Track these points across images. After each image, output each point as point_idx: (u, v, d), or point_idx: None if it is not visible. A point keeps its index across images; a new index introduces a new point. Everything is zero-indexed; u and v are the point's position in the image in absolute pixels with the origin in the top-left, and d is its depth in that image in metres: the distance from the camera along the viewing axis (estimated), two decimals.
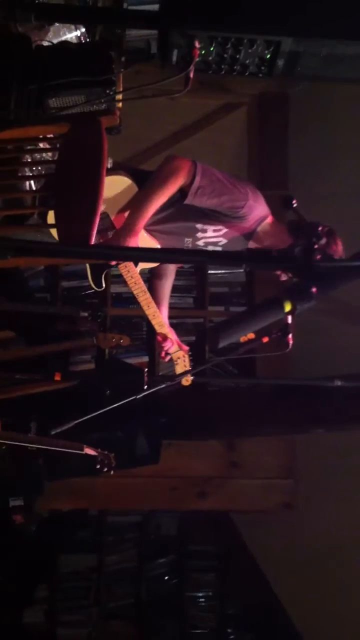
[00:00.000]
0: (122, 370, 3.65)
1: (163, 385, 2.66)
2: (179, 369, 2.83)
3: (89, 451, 2.95)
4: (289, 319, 1.74)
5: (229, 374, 4.57)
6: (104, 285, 2.69)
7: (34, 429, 3.06)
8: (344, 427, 4.13)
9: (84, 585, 4.83)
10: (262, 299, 1.44)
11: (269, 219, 2.67)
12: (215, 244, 2.67)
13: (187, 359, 2.83)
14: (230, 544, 4.93)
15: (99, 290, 2.70)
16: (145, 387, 2.54)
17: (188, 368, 2.82)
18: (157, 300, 2.76)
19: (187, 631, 4.79)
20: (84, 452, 2.91)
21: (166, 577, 4.92)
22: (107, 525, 4.91)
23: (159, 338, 2.77)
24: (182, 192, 2.53)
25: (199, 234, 2.64)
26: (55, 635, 4.74)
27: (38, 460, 3.63)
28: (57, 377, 3.37)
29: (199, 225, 2.62)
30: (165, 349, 2.78)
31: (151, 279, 2.88)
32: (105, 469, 3.02)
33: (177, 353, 2.82)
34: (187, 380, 2.77)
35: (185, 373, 2.76)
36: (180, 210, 2.58)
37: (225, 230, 2.63)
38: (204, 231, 2.63)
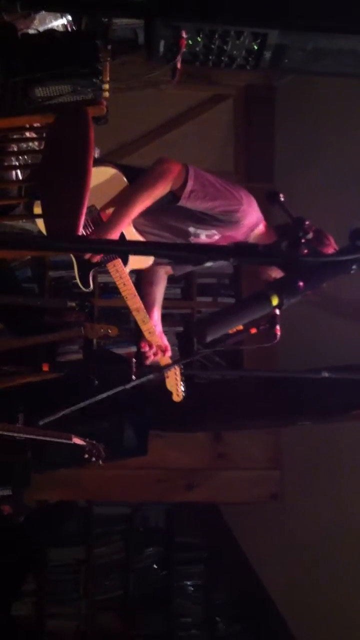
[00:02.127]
0: (110, 361, 3.66)
1: (151, 376, 2.65)
2: (169, 383, 2.72)
3: (77, 441, 2.96)
4: (277, 311, 1.74)
5: (217, 366, 4.59)
6: (91, 285, 2.59)
7: (21, 420, 3.06)
8: (330, 419, 4.15)
9: (72, 578, 4.84)
10: (249, 294, 1.44)
11: (262, 226, 2.64)
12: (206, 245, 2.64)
13: (178, 372, 2.73)
14: (217, 535, 4.95)
15: (87, 290, 2.60)
16: (134, 377, 2.52)
17: (180, 384, 2.72)
18: (147, 306, 2.67)
19: (176, 622, 4.81)
20: (72, 442, 2.92)
21: (154, 569, 4.93)
22: (94, 517, 4.91)
23: (143, 345, 2.66)
24: (174, 197, 2.48)
25: (192, 239, 2.58)
26: (44, 627, 4.75)
27: (26, 451, 3.63)
28: (45, 368, 3.37)
29: (191, 229, 2.57)
30: (147, 355, 2.68)
31: (141, 285, 2.78)
32: (94, 459, 3.03)
33: (167, 363, 2.72)
34: (178, 396, 2.73)
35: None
36: (173, 213, 2.53)
37: (218, 236, 2.58)
38: (197, 236, 2.58)
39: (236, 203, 2.51)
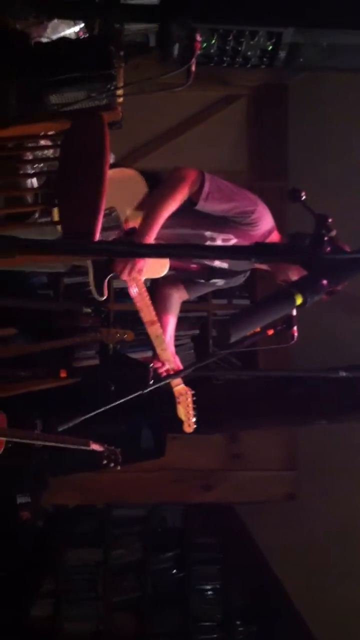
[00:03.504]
0: (127, 366, 3.65)
1: (168, 380, 2.66)
2: (180, 412, 2.73)
3: (95, 447, 2.96)
4: (294, 311, 1.73)
5: (233, 367, 4.58)
6: (105, 294, 2.59)
7: (39, 426, 3.06)
8: (346, 418, 4.14)
9: (89, 579, 4.84)
10: (272, 292, 1.43)
11: (275, 234, 2.64)
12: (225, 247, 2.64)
13: (189, 398, 2.73)
14: (234, 535, 4.94)
15: (101, 299, 2.59)
16: (151, 381, 2.52)
17: (192, 414, 2.73)
18: (161, 323, 2.67)
19: (193, 624, 4.80)
20: (90, 448, 2.92)
21: (172, 571, 4.93)
22: (112, 519, 4.92)
23: (157, 364, 2.66)
24: (191, 201, 2.50)
25: (208, 243, 2.60)
26: (62, 628, 4.76)
27: (43, 456, 3.64)
28: (63, 374, 3.37)
29: (207, 234, 2.58)
30: (160, 370, 2.68)
31: (155, 305, 2.67)
32: (112, 465, 3.03)
33: (179, 388, 2.71)
34: (189, 427, 2.73)
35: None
36: (189, 218, 2.55)
37: (234, 240, 2.59)
38: (213, 240, 2.58)
39: (251, 204, 2.54)
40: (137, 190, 2.52)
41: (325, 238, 1.37)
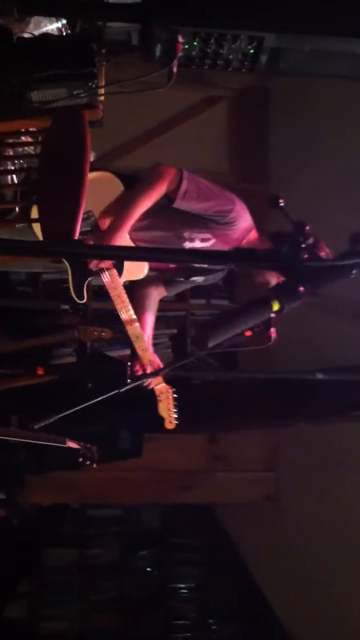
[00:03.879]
0: (104, 364, 3.65)
1: (146, 379, 2.66)
2: (161, 409, 2.74)
3: (72, 444, 2.95)
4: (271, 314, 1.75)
5: (211, 367, 4.59)
6: (85, 296, 2.55)
7: (15, 423, 3.05)
8: (325, 420, 4.16)
9: (66, 579, 4.84)
10: (250, 299, 1.44)
11: (254, 232, 2.66)
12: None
13: (170, 395, 2.73)
14: (213, 536, 4.96)
15: (81, 301, 2.56)
16: (128, 380, 2.52)
17: (172, 411, 2.74)
18: (140, 326, 2.65)
19: (170, 623, 4.81)
20: (66, 446, 2.91)
21: (149, 570, 4.93)
22: (89, 519, 4.91)
23: (138, 368, 2.65)
24: (169, 199, 2.50)
25: (187, 243, 2.60)
26: (39, 629, 4.74)
27: (19, 454, 3.62)
28: (40, 372, 3.36)
29: (186, 234, 2.58)
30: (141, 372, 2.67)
31: (134, 304, 2.68)
32: (88, 462, 3.02)
33: (160, 387, 2.71)
34: (170, 424, 2.75)
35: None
36: (167, 218, 2.56)
37: (213, 240, 2.60)
38: (192, 240, 2.59)
39: (229, 203, 2.55)
40: (114, 192, 2.52)
41: (303, 245, 1.38)
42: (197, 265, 2.69)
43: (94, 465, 3.03)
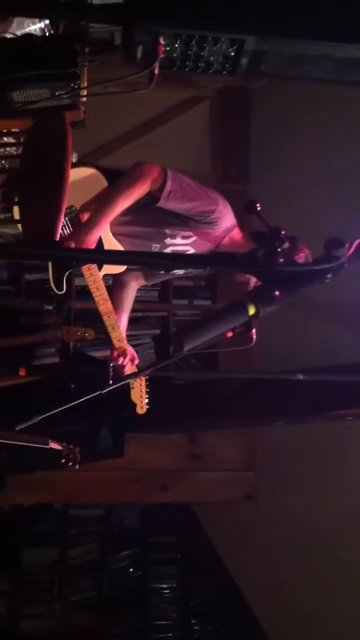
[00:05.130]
0: (87, 364, 3.65)
1: (128, 380, 2.67)
2: (134, 395, 2.76)
3: (54, 445, 2.96)
4: None
5: (192, 367, 4.61)
6: (64, 288, 2.56)
7: None
8: (303, 420, 4.19)
9: (46, 579, 4.83)
10: (225, 304, 1.46)
11: (236, 230, 2.67)
12: (182, 253, 2.66)
13: (144, 385, 2.76)
14: (192, 535, 4.97)
15: (60, 293, 2.58)
16: (111, 381, 2.53)
17: (144, 397, 2.76)
18: (116, 314, 2.67)
19: (150, 623, 4.82)
20: (49, 447, 2.91)
21: (129, 570, 4.94)
22: (69, 518, 4.91)
23: (115, 354, 2.67)
24: (153, 197, 2.50)
25: (168, 240, 2.61)
26: (18, 628, 4.73)
27: (1, 454, 3.62)
28: (22, 373, 3.36)
29: (168, 230, 2.59)
30: (120, 363, 2.68)
31: (112, 292, 2.76)
32: (70, 463, 3.03)
33: (132, 373, 2.72)
34: (141, 409, 2.77)
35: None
36: (150, 215, 2.56)
37: (194, 238, 2.61)
38: (173, 237, 2.61)
39: (213, 203, 2.56)
40: (97, 188, 2.52)
41: (279, 250, 1.40)
42: None
43: (76, 467, 3.04)
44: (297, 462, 4.43)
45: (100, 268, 2.54)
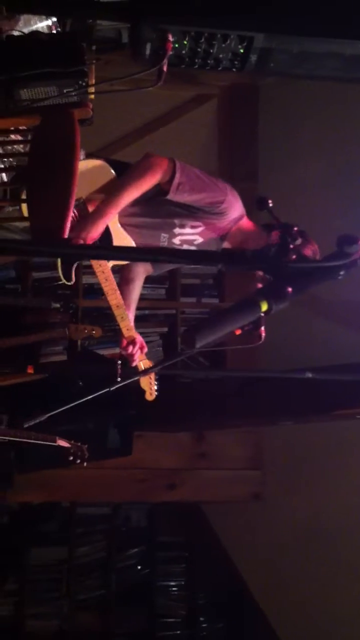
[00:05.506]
0: (94, 362, 3.64)
1: (136, 378, 2.67)
2: (143, 382, 2.77)
3: (62, 443, 2.95)
4: None
5: (200, 366, 4.60)
6: (73, 278, 2.59)
7: (5, 421, 3.05)
8: (311, 419, 4.18)
9: (53, 578, 4.83)
10: (236, 297, 1.45)
11: (244, 220, 2.67)
12: (191, 242, 2.66)
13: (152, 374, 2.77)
14: (199, 534, 4.97)
15: (69, 283, 2.62)
16: (119, 379, 2.53)
17: (154, 383, 2.77)
18: (124, 304, 2.69)
19: (158, 621, 4.82)
20: (56, 444, 2.91)
21: (136, 568, 4.94)
22: (76, 517, 4.91)
23: (124, 343, 2.69)
24: (162, 190, 2.50)
25: (177, 230, 2.62)
26: (25, 627, 4.74)
27: (9, 453, 3.62)
28: (30, 370, 3.35)
29: (177, 221, 2.59)
30: (129, 352, 2.70)
31: (120, 282, 2.78)
32: (78, 461, 3.03)
33: (142, 362, 2.74)
34: (151, 395, 2.77)
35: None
36: (158, 206, 2.56)
37: (202, 227, 2.62)
38: (182, 226, 2.61)
39: (221, 194, 2.56)
40: (104, 179, 2.52)
41: (291, 246, 1.39)
42: (185, 247, 2.71)
43: (84, 464, 3.04)
44: (305, 461, 4.43)
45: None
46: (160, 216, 2.60)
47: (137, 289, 2.84)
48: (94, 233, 2.39)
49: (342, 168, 4.17)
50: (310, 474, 4.39)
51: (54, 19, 2.93)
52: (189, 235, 2.64)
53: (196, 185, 2.51)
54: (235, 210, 2.61)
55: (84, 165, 2.46)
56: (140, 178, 2.44)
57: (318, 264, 1.38)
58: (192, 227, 2.62)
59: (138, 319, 2.83)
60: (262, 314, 1.42)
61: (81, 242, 2.38)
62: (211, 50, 2.49)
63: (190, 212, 2.58)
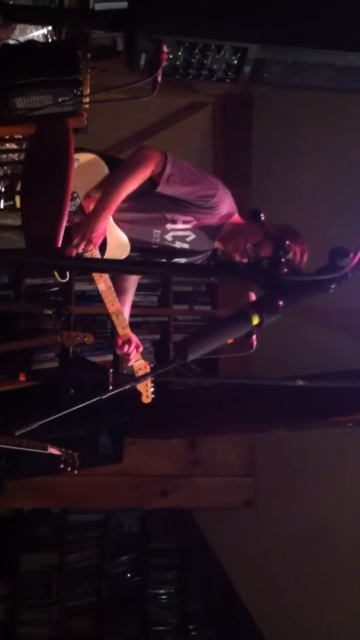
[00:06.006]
0: (86, 369, 3.65)
1: (128, 386, 2.67)
2: (139, 385, 2.77)
3: (53, 451, 2.96)
4: None
5: (193, 373, 4.61)
6: (68, 276, 2.61)
7: None
8: (303, 426, 4.19)
9: (45, 584, 4.82)
10: (229, 313, 1.46)
11: (236, 216, 2.70)
12: (183, 238, 2.68)
13: (147, 371, 2.78)
14: (191, 541, 4.97)
15: (63, 280, 2.62)
16: (111, 387, 2.53)
17: (150, 386, 2.77)
18: (119, 299, 2.70)
19: (149, 628, 4.81)
20: (47, 452, 2.92)
21: (128, 575, 4.93)
22: (68, 524, 4.90)
23: (120, 341, 2.71)
24: (153, 183, 2.53)
25: (169, 225, 2.63)
26: (16, 633, 4.72)
27: (0, 460, 3.61)
28: (22, 378, 3.36)
29: (168, 216, 2.61)
30: (125, 351, 2.72)
31: (114, 285, 2.74)
32: (69, 469, 3.03)
33: (138, 363, 2.76)
34: (147, 398, 2.77)
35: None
36: (150, 200, 2.58)
37: (194, 222, 2.64)
38: (174, 222, 2.63)
39: (212, 188, 2.59)
40: (98, 174, 2.54)
41: (283, 259, 1.40)
42: (178, 247, 2.73)
43: (75, 472, 3.04)
44: (297, 468, 4.43)
45: (102, 255, 2.55)
46: (151, 211, 2.62)
47: (132, 289, 2.86)
48: (99, 230, 2.41)
49: (336, 175, 4.19)
50: (303, 481, 4.40)
51: (50, 28, 2.94)
52: (181, 231, 2.66)
53: (187, 178, 2.54)
54: (226, 205, 2.63)
55: (79, 159, 2.47)
56: (135, 170, 2.47)
57: (309, 277, 1.39)
58: (184, 222, 2.64)
59: (130, 326, 2.84)
60: (254, 327, 1.43)
61: (87, 241, 2.40)
62: (205, 61, 2.49)
63: (181, 207, 2.60)
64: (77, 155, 2.49)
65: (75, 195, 2.50)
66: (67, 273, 2.61)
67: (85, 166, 2.53)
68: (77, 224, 2.48)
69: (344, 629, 4.09)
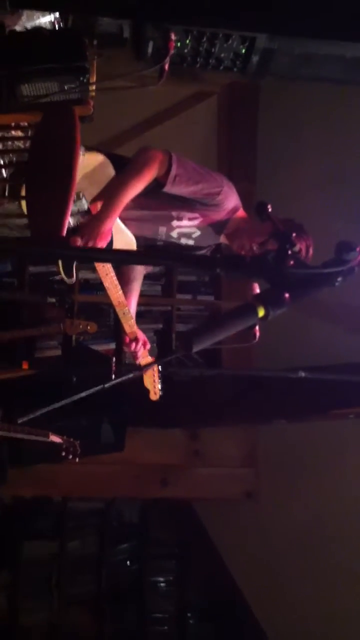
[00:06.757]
0: (89, 358, 3.65)
1: (131, 375, 2.67)
2: (147, 381, 2.77)
3: (55, 439, 2.96)
4: None
5: (195, 364, 4.61)
6: (74, 275, 2.62)
7: None
8: (305, 418, 4.19)
9: (45, 572, 4.83)
10: (234, 305, 1.46)
11: (240, 212, 2.70)
12: (189, 235, 2.68)
13: (156, 371, 2.77)
14: (191, 531, 4.97)
15: (70, 280, 2.62)
16: (113, 376, 2.53)
17: (157, 383, 2.77)
18: (127, 297, 2.68)
19: (147, 617, 4.83)
20: (49, 440, 2.92)
21: (127, 564, 4.94)
22: (69, 512, 4.91)
23: (127, 340, 2.71)
24: (158, 182, 2.52)
25: (175, 222, 2.64)
26: (16, 621, 4.74)
27: (2, 447, 3.62)
28: (25, 367, 3.36)
29: (174, 213, 2.62)
30: (133, 349, 2.71)
31: (121, 280, 2.71)
32: (70, 457, 3.03)
33: (145, 360, 2.76)
34: (155, 395, 2.77)
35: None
36: (156, 199, 2.58)
37: (200, 219, 2.64)
38: (180, 219, 2.63)
39: (217, 185, 2.59)
40: (105, 174, 2.53)
41: (289, 252, 1.39)
42: (183, 243, 2.73)
43: (77, 460, 3.05)
44: (298, 460, 4.44)
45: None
46: (157, 209, 2.62)
47: (138, 286, 2.86)
48: (103, 233, 2.40)
49: (343, 169, 4.18)
50: (304, 473, 4.40)
51: (57, 15, 2.92)
52: (187, 228, 2.66)
53: (192, 177, 2.53)
54: (231, 201, 2.64)
55: (87, 161, 2.46)
56: (139, 173, 2.46)
57: (315, 270, 1.39)
58: (190, 219, 2.65)
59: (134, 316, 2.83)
60: (259, 320, 1.42)
61: (91, 244, 2.39)
62: (213, 50, 2.50)
63: (187, 204, 2.61)
64: (87, 157, 2.47)
65: (81, 195, 2.49)
66: (74, 273, 2.59)
67: (95, 170, 2.52)
68: (82, 224, 2.46)
69: (344, 622, 4.11)
